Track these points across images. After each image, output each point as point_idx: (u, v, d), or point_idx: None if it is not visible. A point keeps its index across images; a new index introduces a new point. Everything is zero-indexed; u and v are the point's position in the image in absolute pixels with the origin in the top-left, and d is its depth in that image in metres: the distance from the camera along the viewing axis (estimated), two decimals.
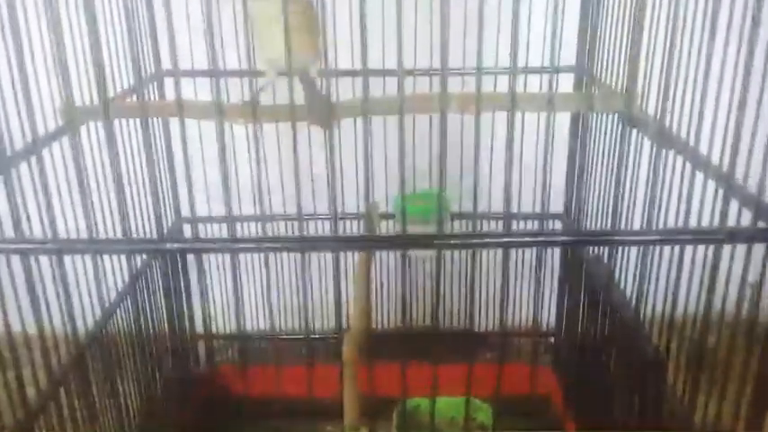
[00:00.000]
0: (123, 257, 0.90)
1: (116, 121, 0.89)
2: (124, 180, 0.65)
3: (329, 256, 1.22)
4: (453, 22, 0.56)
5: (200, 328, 1.25)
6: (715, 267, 0.59)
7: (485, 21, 0.64)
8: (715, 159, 0.64)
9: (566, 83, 1.08)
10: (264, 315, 1.31)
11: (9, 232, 0.59)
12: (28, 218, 0.61)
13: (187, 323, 1.21)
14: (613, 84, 0.91)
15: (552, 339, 1.29)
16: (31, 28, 0.68)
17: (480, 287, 1.29)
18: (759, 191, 0.57)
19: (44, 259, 0.62)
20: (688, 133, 0.70)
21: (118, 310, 0.93)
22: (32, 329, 0.63)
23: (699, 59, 0.65)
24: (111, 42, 0.90)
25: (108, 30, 0.89)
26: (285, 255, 1.25)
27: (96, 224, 0.62)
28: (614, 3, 0.91)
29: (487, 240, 0.58)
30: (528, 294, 1.26)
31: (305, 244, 0.57)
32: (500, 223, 1.20)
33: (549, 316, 1.27)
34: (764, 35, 0.55)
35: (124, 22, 0.92)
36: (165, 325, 1.11)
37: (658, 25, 0.74)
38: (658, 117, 0.65)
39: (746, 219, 0.58)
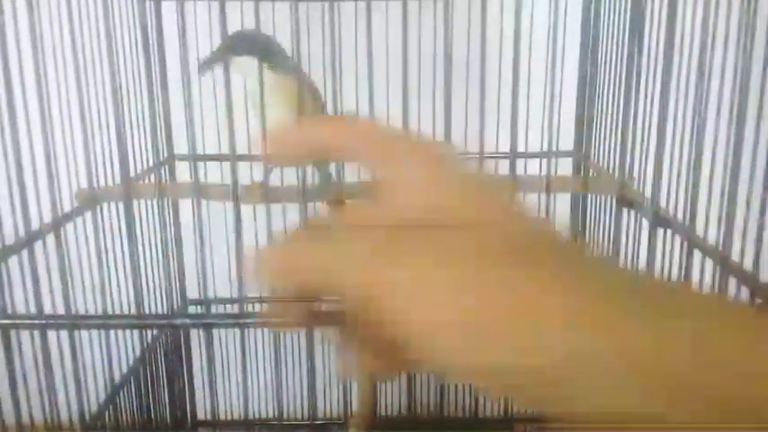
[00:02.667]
0: (129, 337, 0.91)
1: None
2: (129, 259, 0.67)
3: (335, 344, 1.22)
4: (455, 107, 0.59)
5: (201, 413, 1.24)
6: None
7: (485, 109, 0.68)
8: (711, 237, 0.66)
9: (565, 167, 1.12)
10: (271, 399, 1.29)
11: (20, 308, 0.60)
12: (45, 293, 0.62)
13: (189, 410, 1.20)
14: (609, 167, 0.94)
15: (560, 425, 1.26)
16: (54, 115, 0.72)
17: None
18: (754, 268, 0.59)
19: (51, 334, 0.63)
20: (684, 212, 0.72)
21: (121, 394, 0.92)
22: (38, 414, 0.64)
23: (691, 143, 0.68)
24: (130, 125, 0.94)
25: (127, 113, 0.94)
26: (291, 341, 1.26)
27: (106, 301, 0.63)
28: (607, 90, 0.95)
29: None
30: None
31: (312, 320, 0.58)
32: None
33: None
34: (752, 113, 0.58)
35: (146, 107, 0.97)
36: (168, 411, 1.10)
37: (652, 110, 0.77)
38: (652, 198, 0.67)
39: (745, 294, 0.59)
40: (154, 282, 1.01)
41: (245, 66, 0.85)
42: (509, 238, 0.22)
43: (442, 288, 0.21)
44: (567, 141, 1.12)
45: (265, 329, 1.24)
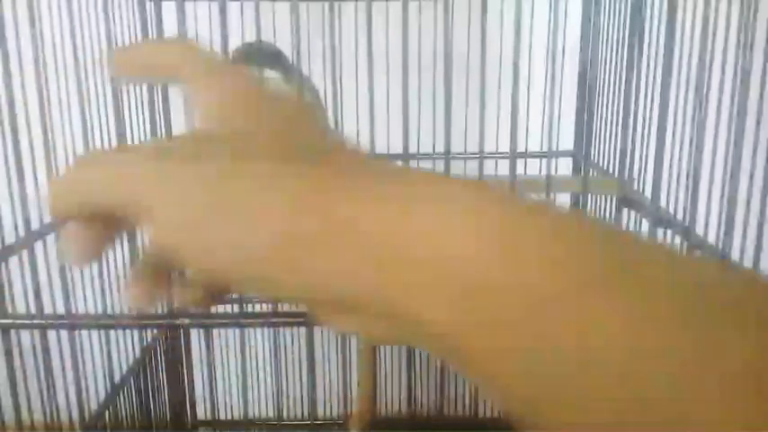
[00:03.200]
0: (129, 337, 0.91)
1: None
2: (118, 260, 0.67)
3: (335, 344, 1.22)
4: (455, 107, 0.59)
5: (201, 413, 1.24)
6: None
7: (485, 109, 0.68)
8: (711, 237, 0.66)
9: (565, 167, 1.12)
10: (271, 399, 1.29)
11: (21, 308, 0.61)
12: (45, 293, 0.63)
13: (188, 410, 1.20)
14: (609, 167, 0.94)
15: None
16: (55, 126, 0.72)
17: None
18: (754, 267, 0.59)
19: (51, 334, 0.63)
20: (684, 212, 0.72)
21: (121, 394, 0.93)
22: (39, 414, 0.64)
23: (691, 143, 0.68)
24: (130, 126, 0.94)
25: (127, 113, 0.94)
26: (291, 347, 1.26)
27: (106, 301, 0.63)
28: (607, 90, 0.95)
29: None
30: None
31: (313, 319, 0.58)
32: None
33: None
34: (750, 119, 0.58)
35: (146, 107, 0.97)
36: (168, 411, 1.10)
37: (652, 110, 0.77)
38: (653, 198, 0.67)
39: None
40: None
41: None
42: (282, 143, 0.23)
43: (184, 184, 0.22)
44: (566, 141, 1.12)
45: (265, 329, 1.24)
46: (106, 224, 0.25)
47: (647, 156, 0.79)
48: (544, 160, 1.15)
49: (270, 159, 0.22)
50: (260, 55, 0.84)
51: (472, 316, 0.18)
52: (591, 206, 1.03)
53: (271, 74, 0.83)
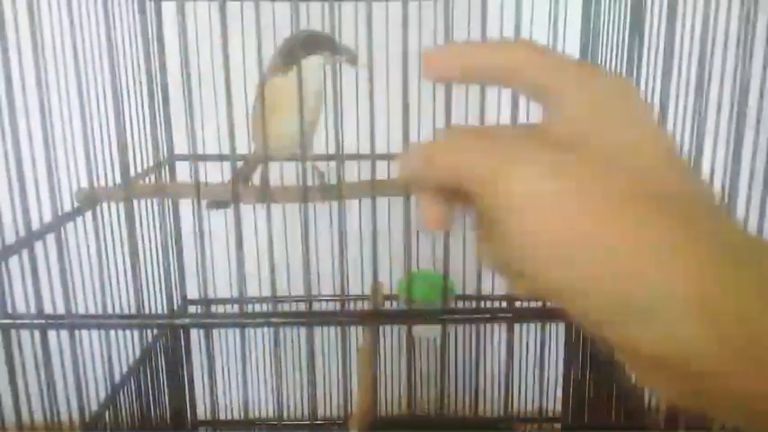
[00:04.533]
0: (129, 337, 0.91)
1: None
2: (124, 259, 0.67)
3: (335, 344, 1.22)
4: (455, 107, 0.59)
5: (201, 414, 1.24)
6: None
7: (485, 109, 0.68)
8: None
9: None
10: (271, 399, 1.29)
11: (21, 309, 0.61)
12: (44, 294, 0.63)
13: (189, 409, 1.20)
14: None
15: (559, 425, 1.27)
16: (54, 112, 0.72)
17: (485, 370, 1.28)
18: None
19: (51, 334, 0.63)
20: None
21: (121, 394, 0.93)
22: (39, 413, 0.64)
23: (691, 143, 0.68)
24: (130, 126, 0.95)
25: (127, 113, 0.94)
26: (291, 347, 1.26)
27: (106, 301, 0.63)
28: None
29: (491, 315, 0.59)
30: (534, 379, 1.25)
31: (313, 319, 0.58)
32: (503, 303, 1.20)
33: (554, 400, 1.25)
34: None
35: (146, 107, 0.97)
36: (168, 411, 1.10)
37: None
38: None
39: None
40: (154, 282, 1.01)
41: (314, 67, 0.82)
42: (659, 181, 0.23)
43: (573, 205, 0.21)
44: None
45: (265, 329, 1.25)
46: (453, 198, 0.26)
47: None
48: None
49: (662, 192, 0.22)
50: (311, 40, 0.81)
51: None
52: None
53: (316, 59, 0.81)
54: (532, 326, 1.22)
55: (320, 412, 1.31)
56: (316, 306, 1.26)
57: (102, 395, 0.85)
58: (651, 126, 0.25)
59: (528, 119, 1.04)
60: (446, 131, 0.27)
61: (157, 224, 1.01)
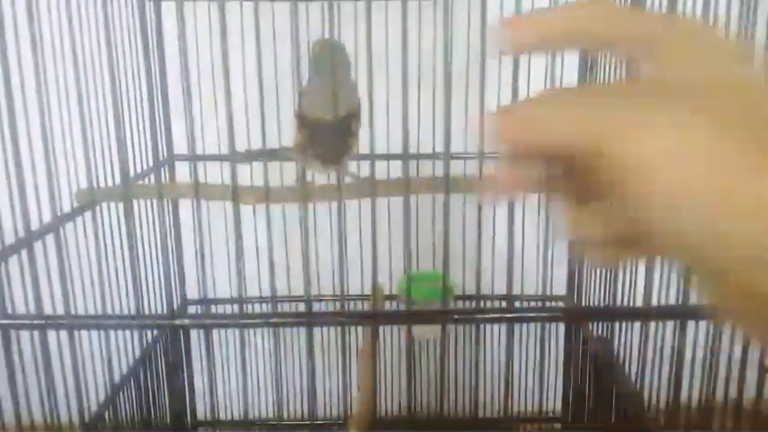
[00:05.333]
0: (128, 338, 0.91)
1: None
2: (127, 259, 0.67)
3: (334, 344, 1.22)
4: (455, 107, 0.59)
5: (201, 413, 1.24)
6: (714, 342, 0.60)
7: (485, 109, 0.68)
8: None
9: None
10: (271, 400, 1.29)
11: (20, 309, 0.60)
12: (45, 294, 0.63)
13: (188, 410, 1.20)
14: None
15: (559, 425, 1.27)
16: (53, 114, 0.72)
17: (485, 371, 1.28)
18: None
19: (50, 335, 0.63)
20: None
21: (121, 394, 0.93)
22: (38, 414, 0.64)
23: None
24: (129, 126, 0.95)
25: (127, 114, 0.94)
26: (291, 347, 1.26)
27: (105, 301, 0.63)
28: None
29: (491, 316, 0.59)
30: (533, 379, 1.25)
31: (313, 319, 0.58)
32: (503, 303, 1.20)
33: (554, 400, 1.25)
34: None
35: (146, 108, 0.97)
36: (168, 411, 1.10)
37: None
38: None
39: None
40: (153, 282, 1.01)
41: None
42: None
43: (694, 145, 0.20)
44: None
45: (265, 329, 1.24)
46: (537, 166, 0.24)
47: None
48: None
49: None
50: (338, 50, 0.79)
51: None
52: None
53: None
54: (532, 326, 1.22)
55: (320, 413, 1.31)
56: (316, 306, 1.26)
57: (102, 396, 0.85)
58: (757, 72, 0.23)
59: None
60: (544, 92, 0.25)
61: (157, 224, 1.00)
